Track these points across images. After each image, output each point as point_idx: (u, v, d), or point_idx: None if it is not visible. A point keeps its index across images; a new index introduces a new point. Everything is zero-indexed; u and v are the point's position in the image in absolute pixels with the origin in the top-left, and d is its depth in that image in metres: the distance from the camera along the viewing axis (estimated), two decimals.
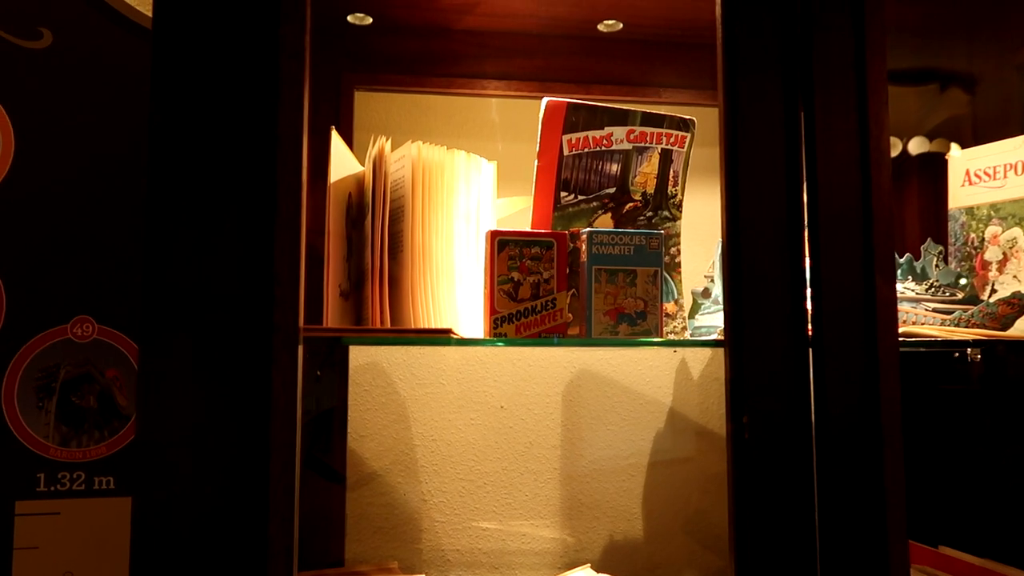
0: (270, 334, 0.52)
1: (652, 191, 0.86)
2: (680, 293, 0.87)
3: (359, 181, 0.84)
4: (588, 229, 0.76)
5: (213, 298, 0.54)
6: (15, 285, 0.80)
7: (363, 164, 0.84)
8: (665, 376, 1.06)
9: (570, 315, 0.75)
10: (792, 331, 0.61)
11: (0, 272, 0.80)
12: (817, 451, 0.61)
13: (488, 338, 0.70)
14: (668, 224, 0.87)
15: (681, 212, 0.88)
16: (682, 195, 0.87)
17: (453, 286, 0.82)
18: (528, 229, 0.83)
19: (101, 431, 0.82)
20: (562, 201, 0.83)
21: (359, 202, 0.83)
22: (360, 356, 0.99)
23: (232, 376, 0.53)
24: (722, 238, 0.65)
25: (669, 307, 0.86)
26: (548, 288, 0.70)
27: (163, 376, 0.55)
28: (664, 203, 0.87)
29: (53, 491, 0.80)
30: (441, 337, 0.73)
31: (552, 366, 1.03)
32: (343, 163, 0.82)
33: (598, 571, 0.93)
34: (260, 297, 0.53)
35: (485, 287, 0.73)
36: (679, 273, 0.87)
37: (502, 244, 0.75)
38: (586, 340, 0.75)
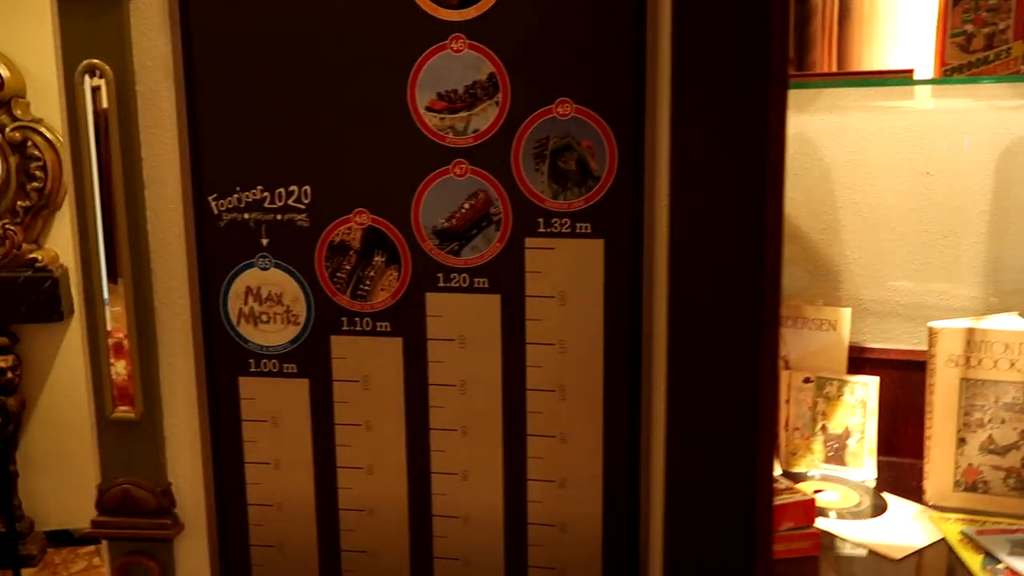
0: (766, 80, 0.62)
1: None
2: None
3: None
4: None
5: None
6: (514, 74, 1.04)
7: None
8: None
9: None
10: None
11: (504, 64, 1.04)
12: None
13: (941, 77, 0.73)
14: None
15: None
16: None
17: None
18: None
19: (579, 188, 1.06)
20: None
21: None
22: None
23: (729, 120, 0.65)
24: None
25: None
26: (1003, 39, 0.70)
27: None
28: None
29: (549, 232, 1.07)
30: (900, 78, 0.78)
31: (984, 133, 1.01)
32: None
33: None
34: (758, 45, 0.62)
35: (937, 39, 0.74)
36: None
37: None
38: None
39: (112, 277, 1.14)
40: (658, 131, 1.02)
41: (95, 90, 1.09)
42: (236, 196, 1.12)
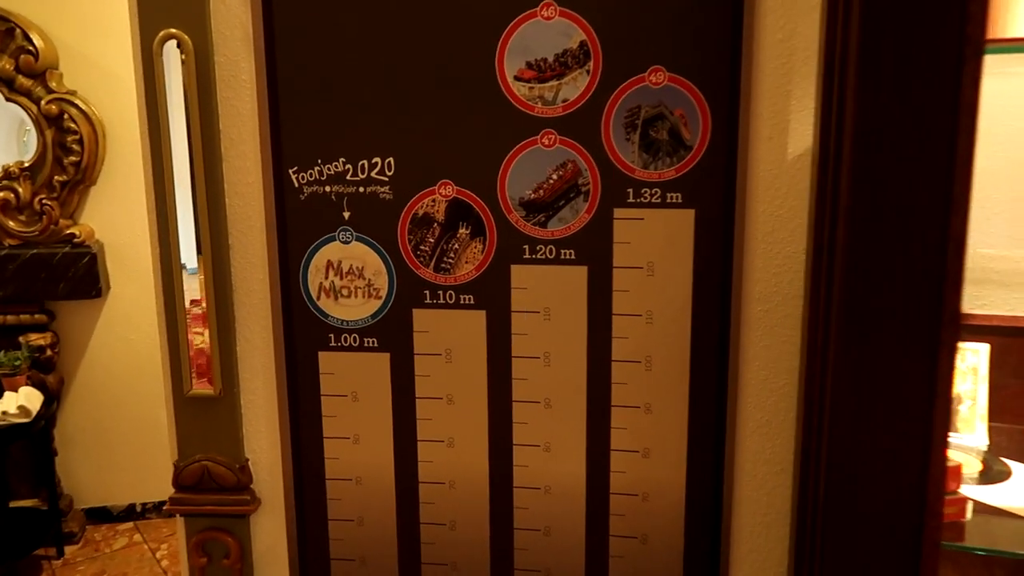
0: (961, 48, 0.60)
1: None
2: None
3: None
4: None
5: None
6: (606, 42, 1.02)
7: None
8: None
9: None
10: None
11: (596, 31, 1.02)
12: None
13: None
14: None
15: None
16: None
17: None
18: None
19: (671, 158, 1.05)
20: None
21: None
22: None
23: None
24: None
25: None
26: None
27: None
28: None
29: (638, 202, 1.06)
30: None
31: None
32: None
33: None
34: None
35: None
36: None
37: None
38: None
39: (190, 253, 1.13)
40: (753, 99, 1.01)
41: (172, 60, 1.07)
42: (317, 168, 1.10)
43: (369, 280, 1.13)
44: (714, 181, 1.04)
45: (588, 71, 1.04)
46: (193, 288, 1.14)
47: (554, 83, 1.04)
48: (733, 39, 1.00)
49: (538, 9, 1.03)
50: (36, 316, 2.67)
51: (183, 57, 1.07)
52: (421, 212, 1.10)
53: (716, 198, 1.05)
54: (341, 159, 1.10)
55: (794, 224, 1.04)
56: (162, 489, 1.22)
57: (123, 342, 2.67)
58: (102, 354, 2.70)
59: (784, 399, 1.09)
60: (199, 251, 1.12)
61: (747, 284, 1.06)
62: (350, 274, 1.13)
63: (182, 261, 1.13)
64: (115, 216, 2.55)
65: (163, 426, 1.19)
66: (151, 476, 2.82)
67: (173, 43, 1.06)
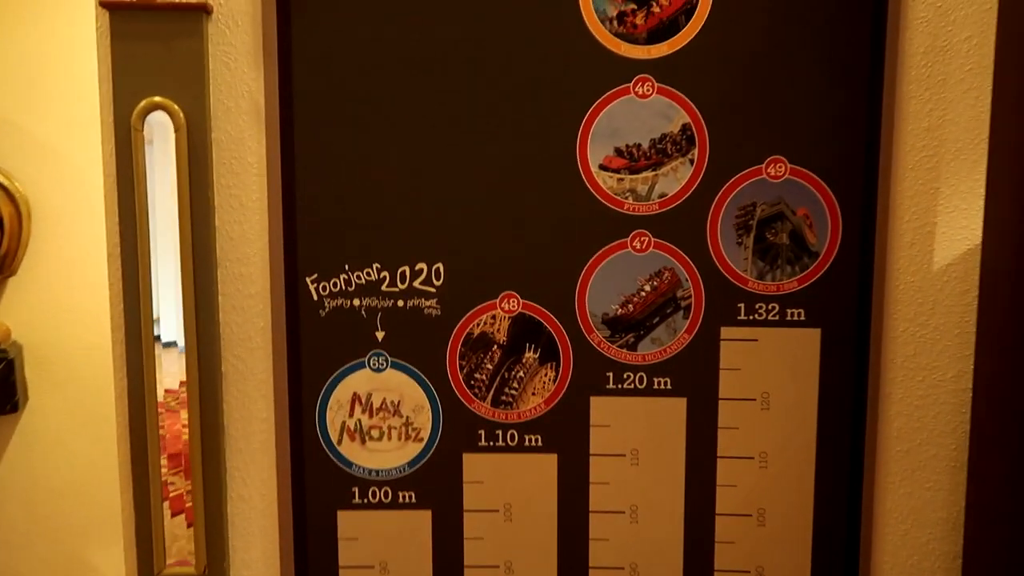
0: None
1: None
2: None
3: None
4: None
5: None
6: (714, 126, 0.84)
7: None
8: None
9: None
10: None
11: (702, 113, 0.84)
12: None
13: None
14: None
15: None
16: None
17: None
18: None
19: (792, 266, 0.86)
20: None
21: None
22: None
23: None
24: None
25: None
26: None
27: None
28: None
29: (751, 319, 0.86)
30: None
31: None
32: None
33: None
34: None
35: None
36: None
37: None
38: None
39: (170, 380, 0.85)
40: (892, 198, 0.84)
41: (157, 137, 0.82)
42: (344, 277, 0.86)
43: (407, 418, 0.88)
44: (844, 295, 0.85)
45: (692, 160, 0.84)
46: (174, 429, 0.86)
47: (649, 174, 0.85)
48: (869, 127, 0.83)
49: (631, 85, 0.84)
50: None
51: (172, 131, 0.82)
52: (477, 331, 0.87)
53: (847, 315, 0.86)
54: (375, 265, 0.86)
55: (941, 347, 0.86)
56: None
57: (45, 466, 2.25)
58: (17, 483, 2.26)
59: (928, 557, 0.89)
60: (181, 379, 0.85)
61: (884, 419, 0.87)
62: (383, 410, 0.88)
63: (158, 394, 0.85)
64: (38, 313, 2.17)
65: None
66: None
67: (159, 115, 0.81)
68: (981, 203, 0.83)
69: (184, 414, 0.85)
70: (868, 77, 0.82)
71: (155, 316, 0.83)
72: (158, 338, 0.84)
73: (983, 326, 0.81)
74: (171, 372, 0.85)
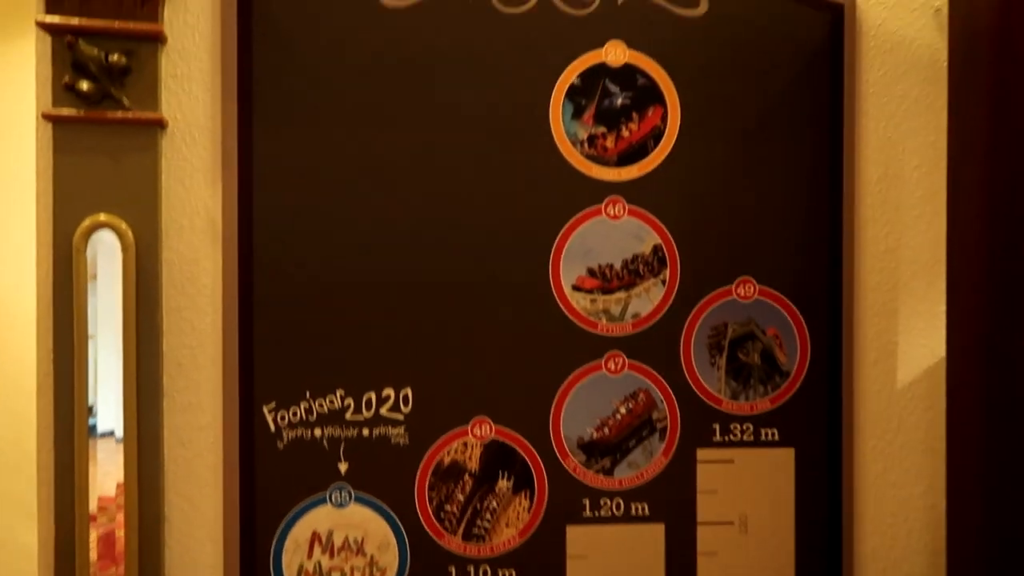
0: None
1: None
2: None
3: None
4: None
5: None
6: (685, 247, 0.84)
7: None
8: None
9: None
10: None
11: (674, 234, 0.84)
12: None
13: None
14: None
15: None
16: None
17: None
18: None
19: (764, 386, 0.85)
20: None
21: None
22: None
23: None
24: None
25: None
26: None
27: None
28: None
29: (727, 440, 0.85)
30: None
31: None
32: None
33: None
34: None
35: None
36: None
37: None
38: None
39: (106, 519, 0.76)
40: (856, 318, 0.86)
41: (103, 256, 0.75)
42: (304, 405, 0.80)
43: (371, 557, 0.81)
44: (816, 413, 0.86)
45: (664, 281, 0.84)
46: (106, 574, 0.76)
47: (622, 294, 0.84)
48: (831, 249, 0.85)
49: (603, 206, 0.84)
50: None
51: (117, 253, 0.75)
52: (447, 460, 0.82)
53: (818, 433, 0.86)
54: (339, 391, 0.80)
55: (908, 463, 0.87)
56: None
57: None
58: None
59: None
60: (119, 518, 0.76)
61: (859, 537, 0.86)
62: (345, 550, 0.81)
63: (90, 557, 0.75)
64: None
65: None
66: None
67: (105, 234, 0.75)
68: (939, 322, 0.86)
69: (120, 568, 0.75)
70: (828, 201, 0.85)
71: (90, 453, 0.75)
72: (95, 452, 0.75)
73: (953, 441, 0.83)
74: (109, 513, 0.76)
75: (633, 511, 0.84)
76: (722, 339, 0.85)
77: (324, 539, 0.81)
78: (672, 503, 0.85)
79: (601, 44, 0.83)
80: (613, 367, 0.84)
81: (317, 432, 0.80)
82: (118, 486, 0.75)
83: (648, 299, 0.84)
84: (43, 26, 0.74)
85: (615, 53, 0.83)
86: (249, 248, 0.79)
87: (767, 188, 0.84)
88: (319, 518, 0.80)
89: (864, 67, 0.86)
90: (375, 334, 0.81)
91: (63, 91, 0.74)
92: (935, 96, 0.86)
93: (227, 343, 0.78)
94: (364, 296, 0.80)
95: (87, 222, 0.75)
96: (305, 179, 0.79)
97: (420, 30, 0.81)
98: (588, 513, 0.84)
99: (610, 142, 0.83)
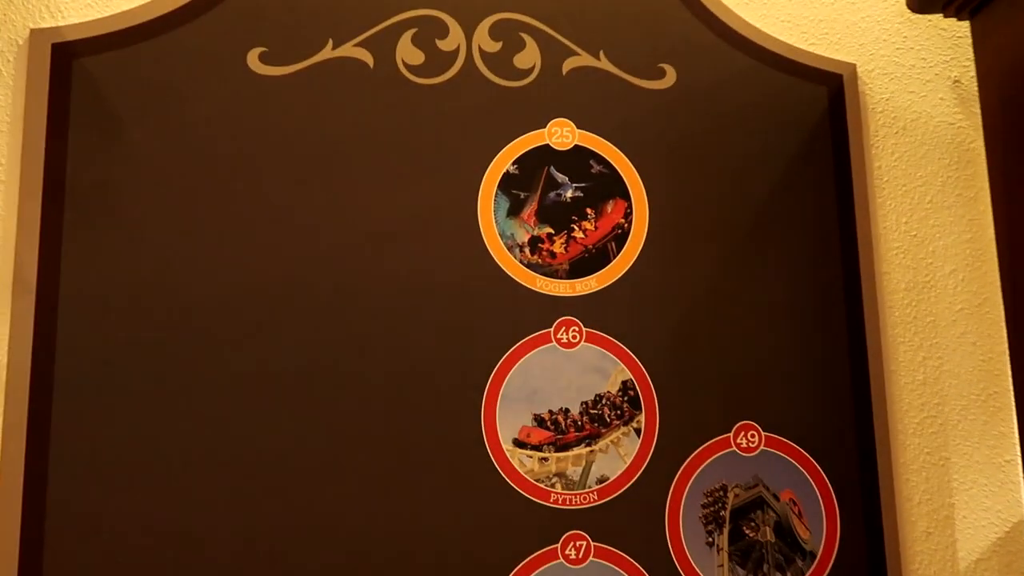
0: None
1: None
2: None
3: None
4: None
5: None
6: (661, 381, 0.63)
7: None
8: None
9: None
10: None
11: (646, 365, 0.63)
12: None
13: None
14: None
15: None
16: None
17: None
18: None
19: (783, 573, 0.62)
20: None
21: None
22: None
23: None
24: None
25: None
26: None
27: None
28: None
29: None
30: None
31: None
32: None
33: None
34: None
35: None
36: None
37: None
38: None
39: None
40: (895, 473, 0.64)
41: None
42: None
43: None
44: None
45: (638, 430, 0.62)
46: None
47: (582, 450, 0.61)
48: (855, 382, 0.64)
49: (552, 331, 0.62)
50: None
51: None
52: None
53: None
54: None
55: None
56: None
57: None
58: None
59: None
60: None
61: None
62: None
63: None
64: None
65: None
66: None
67: None
68: (1005, 475, 0.64)
69: None
70: (846, 320, 0.65)
71: None
72: None
73: None
74: None
75: None
76: (722, 508, 0.62)
77: None
78: None
79: (544, 123, 0.65)
80: (574, 555, 0.60)
81: None
82: None
83: (618, 455, 0.61)
84: None
85: (561, 133, 0.65)
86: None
87: (766, 303, 0.64)
88: None
89: (874, 151, 0.68)
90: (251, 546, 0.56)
91: None
92: (964, 184, 0.68)
93: None
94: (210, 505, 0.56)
95: None
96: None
97: (302, 106, 0.62)
98: None
99: (559, 246, 0.63)
